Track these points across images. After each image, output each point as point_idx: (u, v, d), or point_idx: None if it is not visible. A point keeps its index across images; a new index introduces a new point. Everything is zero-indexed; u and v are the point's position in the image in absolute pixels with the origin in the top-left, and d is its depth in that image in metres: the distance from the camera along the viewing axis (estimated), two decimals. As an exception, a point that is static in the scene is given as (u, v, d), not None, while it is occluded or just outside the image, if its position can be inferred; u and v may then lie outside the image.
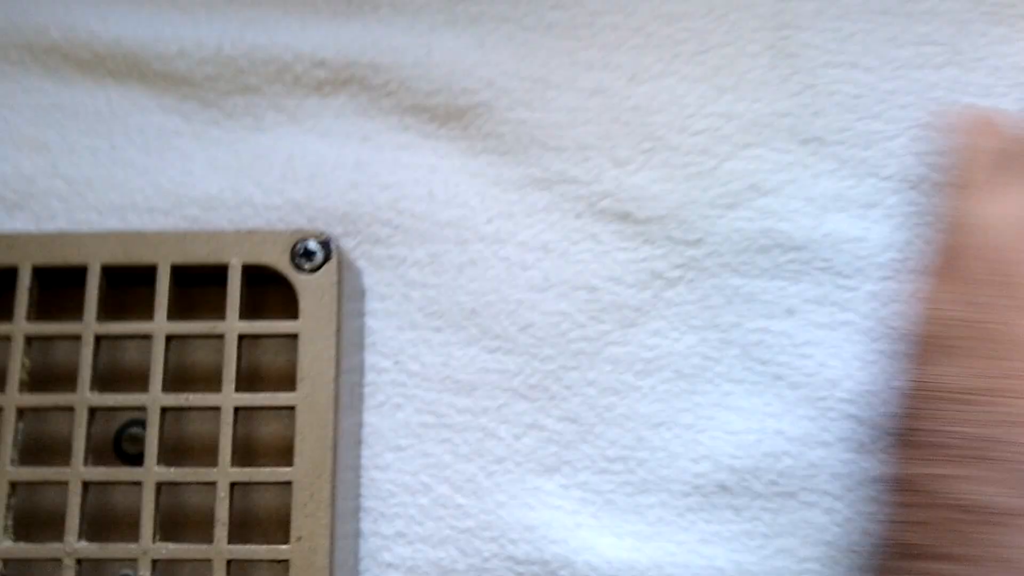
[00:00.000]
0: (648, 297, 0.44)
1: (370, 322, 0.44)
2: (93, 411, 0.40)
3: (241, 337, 0.40)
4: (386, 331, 0.44)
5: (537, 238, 0.44)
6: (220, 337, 0.40)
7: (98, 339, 0.40)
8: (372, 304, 0.44)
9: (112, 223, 0.45)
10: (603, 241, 0.44)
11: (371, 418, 0.43)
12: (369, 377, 0.43)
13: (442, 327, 0.44)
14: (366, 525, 0.42)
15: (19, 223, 0.45)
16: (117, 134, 0.46)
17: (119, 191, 0.45)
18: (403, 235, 0.45)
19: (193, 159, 0.46)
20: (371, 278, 0.44)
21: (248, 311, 0.40)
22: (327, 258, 0.40)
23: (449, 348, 0.44)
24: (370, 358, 0.44)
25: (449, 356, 0.43)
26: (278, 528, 0.40)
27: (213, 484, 0.39)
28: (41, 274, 0.41)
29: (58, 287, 0.42)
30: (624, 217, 0.44)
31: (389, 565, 0.42)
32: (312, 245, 0.40)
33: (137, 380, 0.41)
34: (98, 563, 0.39)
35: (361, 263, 0.44)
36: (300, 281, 0.40)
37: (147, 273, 0.41)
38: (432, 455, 0.43)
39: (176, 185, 0.45)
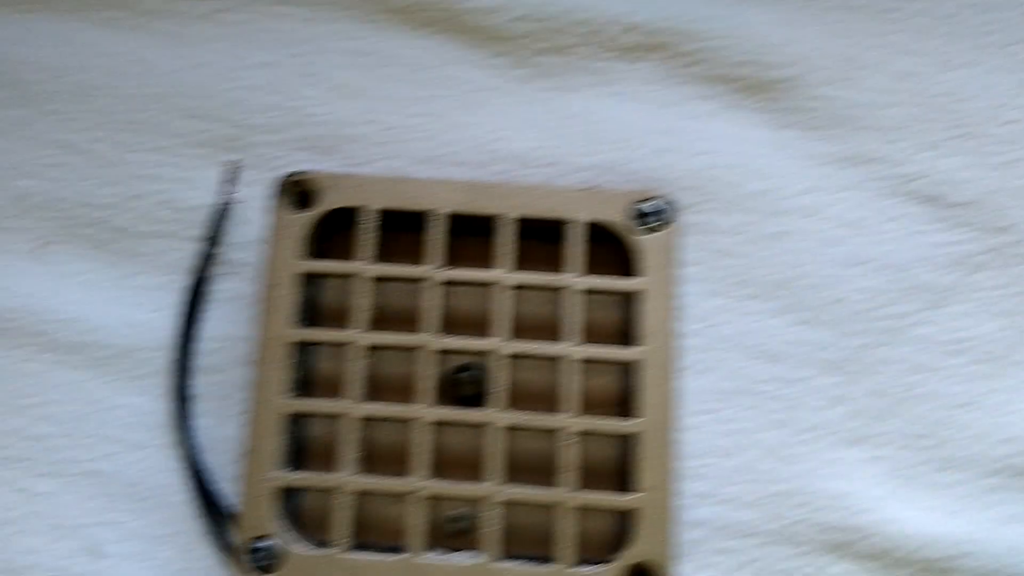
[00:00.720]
0: (955, 280, 0.45)
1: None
2: (435, 353, 0.40)
3: (583, 292, 0.41)
4: (695, 296, 0.44)
5: (848, 214, 0.45)
6: (554, 290, 0.41)
7: (443, 284, 0.41)
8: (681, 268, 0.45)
9: (421, 174, 0.46)
10: (913, 222, 0.45)
11: (680, 380, 0.44)
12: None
13: (752, 296, 0.44)
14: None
15: (329, 168, 0.46)
16: (431, 84, 0.47)
17: (431, 142, 0.46)
18: (713, 202, 0.45)
19: (505, 115, 0.46)
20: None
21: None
22: (667, 220, 0.41)
23: (759, 317, 0.44)
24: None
25: (759, 325, 0.44)
26: (605, 478, 0.41)
27: (554, 431, 0.40)
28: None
29: (394, 229, 0.42)
30: (934, 200, 0.45)
31: (696, 523, 0.43)
32: (654, 206, 0.41)
33: (468, 326, 0.41)
34: (434, 501, 0.40)
35: (669, 228, 0.45)
36: (640, 241, 0.41)
37: (478, 223, 0.42)
38: (739, 420, 0.43)
39: (488, 140, 0.46)
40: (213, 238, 0.45)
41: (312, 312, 0.43)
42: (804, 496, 0.43)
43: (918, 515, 0.43)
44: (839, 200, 0.45)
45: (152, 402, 0.45)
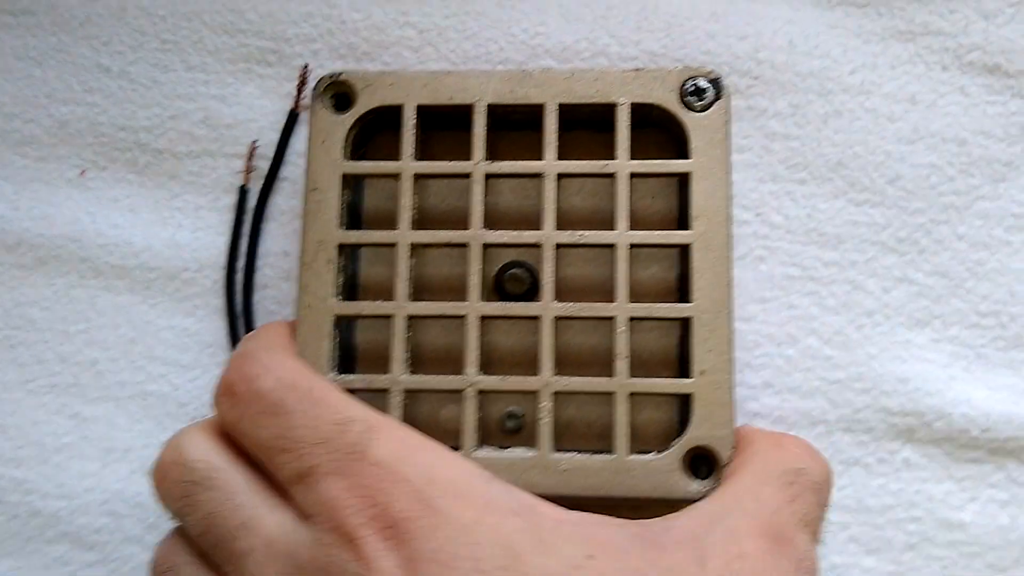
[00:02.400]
0: (1018, 151, 0.43)
1: (726, 175, 0.43)
2: (483, 248, 0.39)
3: (632, 176, 0.39)
4: (746, 183, 0.43)
5: (903, 90, 0.43)
6: (602, 177, 0.40)
7: (487, 178, 0.40)
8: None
9: (459, 74, 0.45)
10: (971, 94, 0.43)
11: (734, 270, 0.42)
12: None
13: (806, 179, 0.43)
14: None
15: (367, 73, 0.45)
16: (466, -17, 0.46)
17: (471, 41, 0.45)
18: (763, 86, 0.44)
19: (546, 10, 0.45)
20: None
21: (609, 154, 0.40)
22: (716, 97, 0.40)
23: (814, 200, 0.43)
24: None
25: (814, 208, 0.43)
26: (660, 366, 0.40)
27: (606, 320, 0.39)
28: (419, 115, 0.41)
29: (429, 130, 0.42)
30: (993, 70, 0.43)
31: (756, 415, 0.42)
32: (703, 83, 0.40)
33: (515, 224, 0.40)
34: (486, 399, 0.39)
35: (717, 115, 0.43)
36: (690, 120, 0.40)
37: (521, 117, 0.41)
38: (798, 307, 0.42)
39: (530, 36, 0.45)
40: (280, 149, 0.45)
41: (354, 219, 0.42)
42: (869, 381, 0.41)
43: (988, 394, 0.41)
44: (893, 76, 0.44)
45: (199, 323, 0.44)
